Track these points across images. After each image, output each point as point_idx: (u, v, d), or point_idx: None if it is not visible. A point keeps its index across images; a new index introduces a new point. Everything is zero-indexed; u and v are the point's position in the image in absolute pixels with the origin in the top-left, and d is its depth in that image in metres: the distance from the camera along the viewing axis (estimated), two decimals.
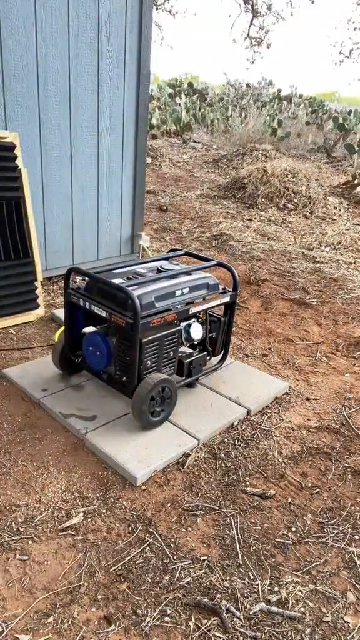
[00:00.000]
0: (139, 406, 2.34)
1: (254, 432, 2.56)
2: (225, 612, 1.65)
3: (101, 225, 4.27)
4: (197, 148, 11.13)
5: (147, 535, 1.94)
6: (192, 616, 1.65)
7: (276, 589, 1.76)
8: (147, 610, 1.65)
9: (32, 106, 3.49)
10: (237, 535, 1.97)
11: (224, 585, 1.76)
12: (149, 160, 8.99)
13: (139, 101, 4.17)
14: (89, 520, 1.98)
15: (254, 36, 17.05)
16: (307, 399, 2.89)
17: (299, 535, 1.99)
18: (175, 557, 1.85)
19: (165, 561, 1.84)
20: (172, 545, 1.90)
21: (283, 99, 17.04)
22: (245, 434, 2.55)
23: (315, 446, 2.51)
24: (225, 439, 2.50)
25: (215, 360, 2.95)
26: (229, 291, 2.80)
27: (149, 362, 2.44)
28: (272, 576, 1.81)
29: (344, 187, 7.72)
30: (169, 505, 2.08)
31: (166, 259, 2.91)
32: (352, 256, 5.38)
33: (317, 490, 2.23)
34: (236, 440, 2.49)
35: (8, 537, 1.88)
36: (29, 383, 2.75)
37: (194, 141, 11.64)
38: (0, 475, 2.17)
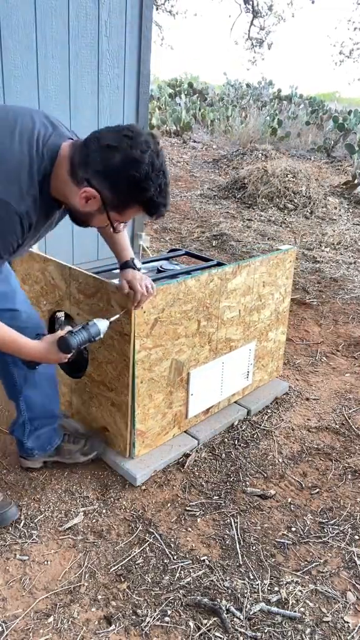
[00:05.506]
0: None
1: (254, 432, 2.56)
2: (225, 612, 1.65)
3: None
4: (197, 148, 11.12)
5: (147, 535, 1.94)
6: (192, 616, 1.65)
7: (276, 589, 1.76)
8: (147, 610, 1.65)
9: (32, 107, 3.49)
10: (237, 535, 1.97)
11: (224, 585, 1.76)
12: None
13: (139, 101, 4.16)
14: (89, 520, 1.98)
15: (255, 37, 17.04)
16: (307, 399, 2.89)
17: (299, 535, 1.99)
18: (175, 557, 1.85)
19: (165, 561, 1.84)
20: (172, 545, 1.90)
21: (283, 99, 17.03)
22: (245, 434, 2.55)
23: (315, 446, 2.51)
24: (225, 439, 2.49)
25: None
26: None
27: None
28: (272, 576, 1.81)
29: (344, 187, 7.72)
30: (169, 505, 2.08)
31: (166, 259, 2.91)
32: (352, 256, 5.38)
33: (317, 490, 2.23)
34: (236, 440, 2.49)
35: (8, 537, 1.88)
36: None
37: (194, 141, 11.63)
38: (0, 475, 2.17)
